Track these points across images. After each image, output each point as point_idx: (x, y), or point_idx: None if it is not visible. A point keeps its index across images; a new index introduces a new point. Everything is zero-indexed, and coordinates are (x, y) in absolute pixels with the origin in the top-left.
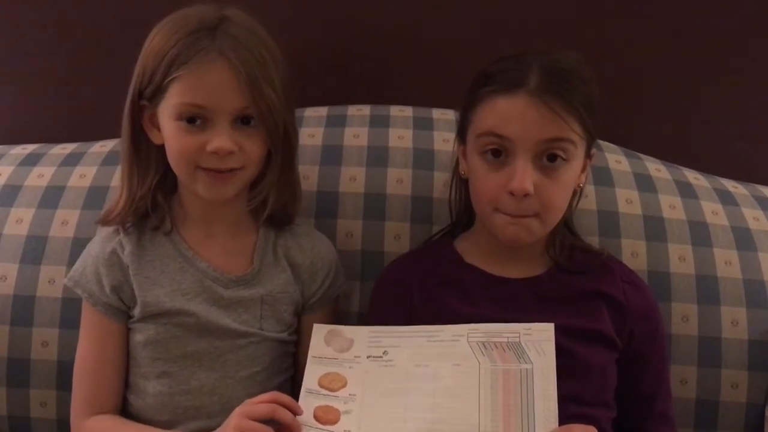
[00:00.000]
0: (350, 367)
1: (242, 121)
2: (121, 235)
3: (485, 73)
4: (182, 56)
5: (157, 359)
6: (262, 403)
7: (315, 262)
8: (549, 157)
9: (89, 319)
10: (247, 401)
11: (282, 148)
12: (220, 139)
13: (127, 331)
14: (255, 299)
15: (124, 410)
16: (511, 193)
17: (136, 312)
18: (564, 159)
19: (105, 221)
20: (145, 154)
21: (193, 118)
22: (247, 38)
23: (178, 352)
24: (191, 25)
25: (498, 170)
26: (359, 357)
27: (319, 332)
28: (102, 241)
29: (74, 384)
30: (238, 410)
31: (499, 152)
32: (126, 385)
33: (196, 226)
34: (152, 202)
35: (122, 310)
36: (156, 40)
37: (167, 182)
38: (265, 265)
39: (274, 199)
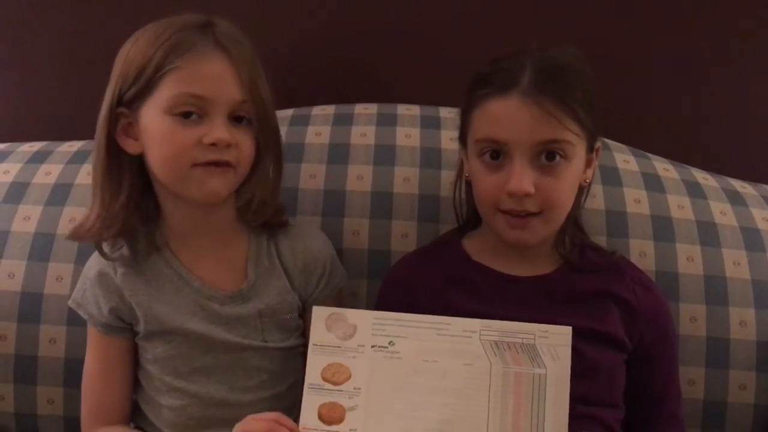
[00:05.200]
0: (354, 357)
1: (236, 119)
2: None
3: (479, 75)
4: (179, 47)
5: (166, 375)
6: (262, 420)
7: (308, 264)
8: (548, 156)
9: (92, 337)
10: (249, 417)
11: (273, 148)
12: (219, 130)
13: (131, 345)
14: (253, 315)
15: (142, 421)
16: (511, 194)
17: (140, 329)
18: (563, 157)
19: (75, 236)
20: (117, 167)
21: (189, 112)
22: (238, 36)
23: (186, 369)
24: (179, 24)
25: (497, 171)
26: (363, 346)
27: (320, 315)
28: (96, 264)
29: (82, 397)
30: (238, 426)
31: (497, 154)
32: (142, 397)
33: (187, 242)
34: (127, 224)
35: (123, 328)
36: (141, 44)
37: (143, 206)
38: (260, 276)
39: (260, 197)
